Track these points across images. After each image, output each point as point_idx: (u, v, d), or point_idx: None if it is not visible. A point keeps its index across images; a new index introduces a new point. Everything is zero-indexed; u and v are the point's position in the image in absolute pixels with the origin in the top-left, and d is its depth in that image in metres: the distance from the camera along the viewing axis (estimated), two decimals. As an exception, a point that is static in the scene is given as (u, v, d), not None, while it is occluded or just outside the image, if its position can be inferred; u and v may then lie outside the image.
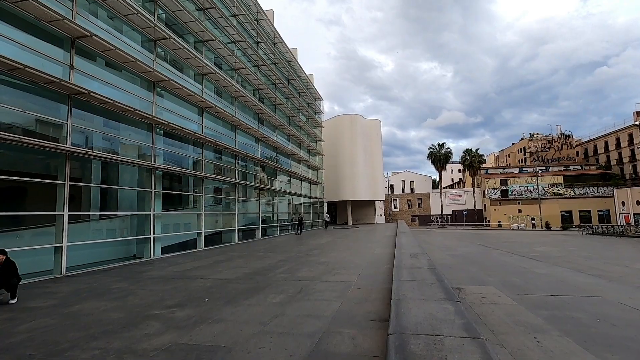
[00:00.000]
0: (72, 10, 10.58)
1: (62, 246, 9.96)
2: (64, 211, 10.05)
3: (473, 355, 2.74)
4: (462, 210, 60.27)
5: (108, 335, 4.67)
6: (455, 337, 3.14)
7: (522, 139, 75.13)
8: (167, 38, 14.15)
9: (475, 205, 58.68)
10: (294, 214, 29.51)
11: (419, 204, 66.08)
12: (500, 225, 53.51)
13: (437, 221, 59.85)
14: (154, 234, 13.66)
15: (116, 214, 13.81)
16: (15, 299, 6.61)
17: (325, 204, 52.47)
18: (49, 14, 9.32)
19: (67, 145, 10.15)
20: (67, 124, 10.34)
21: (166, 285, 8.14)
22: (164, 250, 14.77)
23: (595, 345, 4.29)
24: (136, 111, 12.32)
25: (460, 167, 73.51)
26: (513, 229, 48.50)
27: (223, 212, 20.58)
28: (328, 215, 40.40)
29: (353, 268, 9.97)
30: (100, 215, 13.33)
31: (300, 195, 34.62)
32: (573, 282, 8.65)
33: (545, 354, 4.00)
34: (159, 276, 9.39)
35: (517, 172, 59.83)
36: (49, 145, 9.43)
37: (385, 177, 68.13)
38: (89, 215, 12.68)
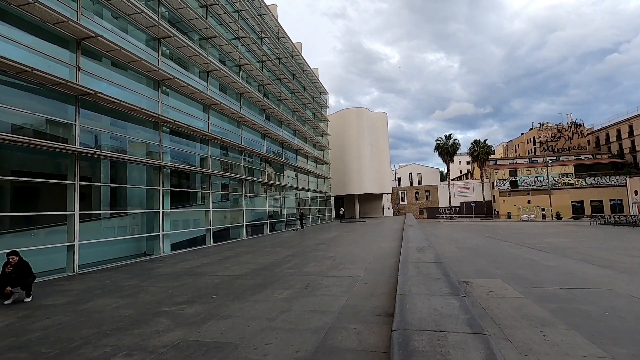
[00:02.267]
0: (77, 12, 10.68)
1: (74, 245, 10.17)
2: (74, 210, 10.24)
3: (476, 352, 2.76)
4: (471, 202, 59.77)
5: (119, 332, 4.79)
6: (459, 332, 3.16)
7: (531, 128, 73.94)
8: (171, 36, 14.21)
9: (484, 197, 58.16)
10: (299, 209, 29.56)
11: (426, 196, 65.72)
12: (509, 217, 52.99)
13: (446, 213, 59.50)
14: (163, 231, 13.86)
15: (126, 212, 14.02)
16: (30, 297, 6.80)
17: (333, 198, 52.60)
18: (54, 16, 9.42)
19: (76, 146, 10.32)
20: (75, 125, 10.50)
21: (175, 282, 8.28)
22: (174, 247, 15.00)
23: (603, 339, 4.27)
24: (142, 110, 12.45)
25: (469, 158, 72.79)
26: (523, 220, 48.01)
27: (231, 208, 20.74)
28: (343, 209, 40.60)
29: (360, 262, 10.01)
30: (110, 213, 13.55)
31: (307, 190, 34.71)
32: (582, 274, 8.56)
33: (552, 348, 3.99)
34: (169, 273, 9.55)
35: (526, 162, 59.04)
36: (58, 146, 9.59)
37: (392, 170, 67.85)
38: (100, 213, 12.89)
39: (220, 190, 20.66)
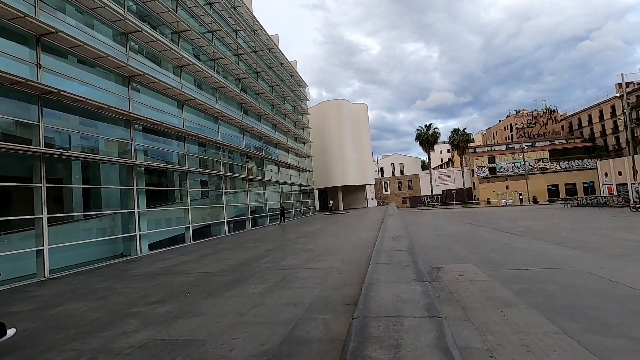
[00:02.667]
0: (35, 7, 10.21)
1: (43, 249, 9.87)
2: (42, 214, 9.92)
3: (428, 334, 2.84)
4: (452, 189, 61.00)
5: (86, 336, 4.71)
6: (416, 317, 3.25)
7: (508, 116, 75.75)
8: (139, 30, 13.79)
9: (464, 184, 59.43)
10: (280, 204, 29.36)
11: (409, 185, 66.61)
12: (489, 203, 54.40)
13: (428, 202, 60.54)
14: (139, 231, 13.60)
15: (98, 213, 13.66)
16: (-5, 305, 6.59)
17: (317, 191, 52.70)
18: (9, 12, 8.99)
19: (41, 147, 9.96)
20: (39, 125, 10.12)
21: (150, 282, 8.17)
22: (153, 246, 14.75)
23: (559, 315, 4.47)
24: (111, 108, 12.09)
25: (449, 147, 74.02)
26: (501, 206, 49.38)
27: (210, 205, 20.52)
28: (332, 202, 40.94)
29: (338, 254, 10.11)
30: (83, 215, 13.19)
31: (290, 184, 34.63)
32: (549, 254, 8.90)
33: (509, 327, 4.15)
34: (144, 273, 9.41)
35: (504, 149, 60.52)
36: (20, 148, 9.24)
37: (374, 161, 68.41)
38: (72, 216, 12.52)
39: (200, 187, 20.40)
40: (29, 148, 9.38)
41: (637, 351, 3.44)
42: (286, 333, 4.23)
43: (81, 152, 12.38)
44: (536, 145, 59.14)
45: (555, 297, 5.24)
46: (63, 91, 10.18)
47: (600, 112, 55.51)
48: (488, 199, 55.07)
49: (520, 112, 72.86)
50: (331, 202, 40.98)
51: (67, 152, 10.38)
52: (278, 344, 3.93)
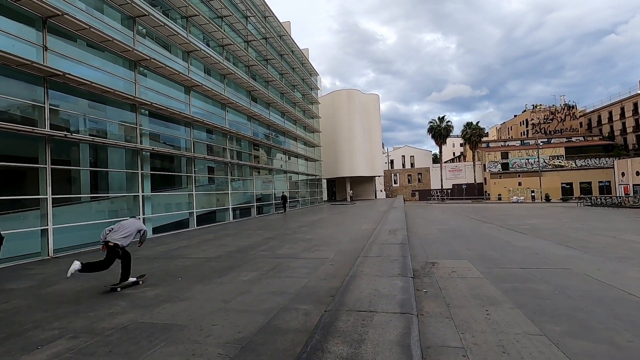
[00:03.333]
0: (41, -12, 10.25)
1: (47, 229, 10.12)
2: (47, 194, 10.15)
3: (394, 331, 2.81)
4: (462, 184, 60.22)
5: (73, 315, 4.82)
6: (387, 313, 3.21)
7: (524, 110, 73.86)
8: (145, 14, 13.78)
9: (475, 179, 58.56)
10: (282, 192, 29.14)
11: (419, 178, 66.00)
12: (500, 199, 53.56)
13: (437, 196, 59.96)
14: (143, 214, 13.83)
15: (103, 196, 13.89)
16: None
17: (325, 181, 52.69)
18: (15, -7, 9.05)
19: (46, 129, 10.14)
20: (45, 107, 10.27)
21: (147, 265, 8.32)
22: (157, 230, 15.03)
23: (543, 316, 4.37)
24: (116, 92, 12.20)
25: (462, 140, 72.82)
26: (512, 202, 48.57)
27: (215, 191, 20.69)
28: (352, 191, 40.81)
29: (334, 244, 10.11)
30: (90, 197, 13.45)
31: (297, 173, 34.66)
32: (549, 254, 8.71)
33: (490, 327, 4.08)
34: (144, 256, 9.58)
35: (518, 144, 59.25)
36: (25, 129, 9.41)
37: (385, 153, 67.89)
38: (79, 197, 12.75)
39: (206, 173, 20.57)
40: (33, 129, 9.54)
41: (615, 357, 3.34)
42: (265, 322, 4.26)
43: (88, 135, 12.61)
44: (552, 141, 57.72)
45: (543, 298, 5.12)
46: (68, 74, 10.29)
47: (622, 109, 53.63)
48: (499, 195, 54.20)
49: (537, 107, 70.89)
50: (351, 191, 40.67)
51: (71, 135, 10.51)
52: (254, 333, 3.96)
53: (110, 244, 6.07)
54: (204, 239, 12.92)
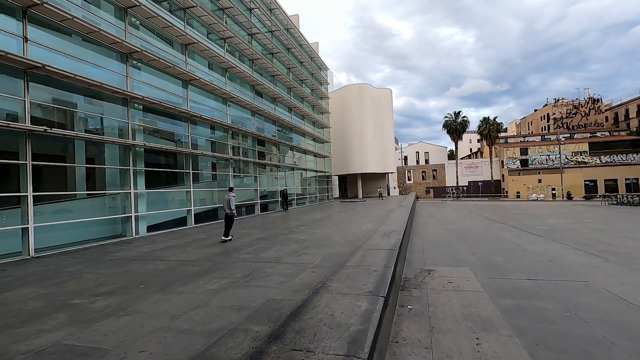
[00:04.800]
0: (20, -24, 9.81)
1: (28, 227, 9.74)
2: (27, 192, 9.76)
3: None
4: (479, 181, 58.22)
5: (1, 330, 4.24)
6: (327, 354, 2.44)
7: (545, 105, 70.79)
8: (137, 5, 13.25)
9: (492, 176, 56.47)
10: (284, 189, 28.18)
11: (433, 175, 64.24)
12: (518, 196, 51.46)
13: (452, 193, 58.19)
14: (135, 212, 13.40)
15: (91, 193, 13.52)
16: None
17: (337, 178, 51.83)
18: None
19: (26, 124, 9.73)
20: (25, 101, 9.86)
21: (119, 267, 7.77)
22: (152, 228, 14.59)
23: (546, 350, 3.50)
24: (104, 85, 11.71)
25: (479, 136, 70.38)
26: (532, 200, 46.54)
27: (215, 188, 20.21)
28: (381, 188, 39.84)
29: (325, 247, 9.33)
30: (76, 194, 13.08)
31: (305, 169, 33.95)
32: (564, 261, 7.69)
33: (475, 363, 3.25)
34: (122, 257, 9.07)
35: (538, 140, 56.62)
36: (1, 124, 8.98)
37: (398, 149, 66.42)
38: (63, 195, 12.33)
39: (207, 170, 20.11)
40: (8, 124, 9.11)
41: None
42: (202, 349, 3.54)
43: (79, 131, 12.24)
44: (575, 137, 54.90)
45: (550, 322, 4.22)
46: (48, 66, 9.84)
47: (651, 102, 50.45)
48: (518, 192, 52.07)
49: (559, 101, 67.77)
50: (381, 189, 39.75)
51: (51, 130, 10.06)
52: (183, 364, 3.25)
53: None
54: (195, 238, 12.37)
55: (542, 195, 48.59)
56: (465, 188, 59.31)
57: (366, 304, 3.48)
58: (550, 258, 8.05)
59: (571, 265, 7.35)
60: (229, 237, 11.02)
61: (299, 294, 5.20)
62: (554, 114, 65.66)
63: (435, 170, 64.16)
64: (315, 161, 37.11)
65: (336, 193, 52.41)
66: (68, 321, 4.52)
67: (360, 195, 48.57)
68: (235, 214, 11.41)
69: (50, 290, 6.06)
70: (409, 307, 4.86)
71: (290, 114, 30.46)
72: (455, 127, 56.32)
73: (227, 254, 8.85)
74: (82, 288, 6.15)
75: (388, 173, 53.66)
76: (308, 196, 34.71)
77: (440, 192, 61.19)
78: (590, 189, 48.92)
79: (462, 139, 59.97)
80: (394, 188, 60.17)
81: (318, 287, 4.17)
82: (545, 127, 68.10)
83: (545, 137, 57.07)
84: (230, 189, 11.90)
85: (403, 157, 67.91)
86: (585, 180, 50.03)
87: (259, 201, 23.71)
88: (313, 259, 7.83)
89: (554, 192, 48.88)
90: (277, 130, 27.80)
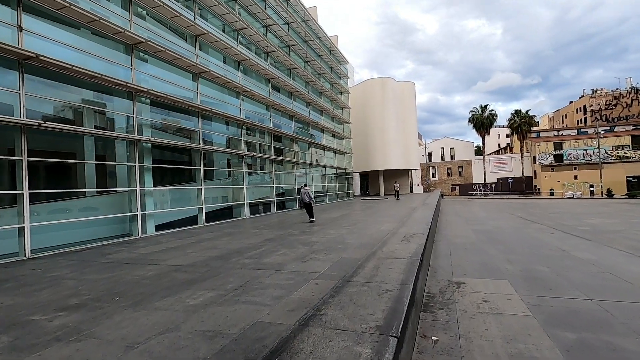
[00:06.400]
0: (12, -39, 9.29)
1: (24, 227, 9.23)
2: (23, 189, 9.24)
3: None
4: (509, 178, 55.26)
5: None
6: None
7: (582, 96, 66.37)
8: (141, -7, 12.60)
9: (523, 172, 53.41)
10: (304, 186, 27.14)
11: (459, 172, 61.65)
12: (552, 194, 48.35)
13: (480, 190, 55.54)
14: (141, 211, 12.81)
15: (92, 190, 13.02)
16: None
17: (359, 175, 50.49)
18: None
19: (21, 118, 9.21)
20: (20, 94, 9.34)
21: (107, 273, 7.02)
22: (160, 227, 13.99)
23: None
24: (104, 77, 11.09)
25: (508, 131, 66.87)
26: (567, 198, 43.50)
27: (228, 186, 19.53)
28: (398, 185, 38.39)
29: (337, 251, 8.23)
30: (75, 192, 12.59)
31: (324, 166, 32.91)
32: (626, 273, 6.26)
33: None
34: (116, 260, 8.36)
35: (574, 134, 52.98)
36: (-9, 117, 8.47)
37: (421, 145, 64.19)
38: (58, 192, 11.79)
39: (221, 166, 19.46)
40: (-3, 117, 8.57)
41: None
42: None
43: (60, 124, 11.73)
44: (615, 129, 50.93)
45: (638, 373, 2.98)
46: (42, 56, 9.26)
47: None
48: (551, 189, 48.94)
49: (598, 92, 63.32)
50: (397, 184, 38.23)
51: (46, 124, 9.50)
52: None
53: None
54: (202, 238, 11.61)
55: (578, 193, 45.41)
56: (493, 185, 56.52)
57: (369, 350, 2.40)
58: (609, 269, 6.62)
59: (639, 278, 5.92)
60: (314, 218, 15.08)
61: (293, 315, 4.15)
62: (592, 105, 61.44)
63: (462, 166, 61.56)
64: (335, 158, 35.99)
65: (357, 190, 51.08)
66: (7, 347, 3.68)
67: (382, 192, 47.06)
68: (314, 202, 15.04)
69: (17, 301, 5.32)
70: (433, 338, 3.72)
71: (308, 108, 29.47)
72: (482, 121, 53.67)
73: (226, 259, 7.94)
74: (52, 299, 5.38)
75: (411, 170, 51.78)
76: (327, 194, 33.67)
77: (467, 189, 58.62)
78: (633, 186, 45.24)
79: (489, 133, 57.10)
80: (418, 185, 58.13)
81: (308, 317, 3.11)
82: (581, 119, 63.93)
83: (582, 130, 53.34)
84: (305, 185, 15.46)
85: (427, 154, 65.59)
86: (627, 177, 46.34)
87: (275, 199, 22.89)
88: (320, 266, 6.77)
89: (592, 189, 45.54)
90: (295, 125, 26.87)
